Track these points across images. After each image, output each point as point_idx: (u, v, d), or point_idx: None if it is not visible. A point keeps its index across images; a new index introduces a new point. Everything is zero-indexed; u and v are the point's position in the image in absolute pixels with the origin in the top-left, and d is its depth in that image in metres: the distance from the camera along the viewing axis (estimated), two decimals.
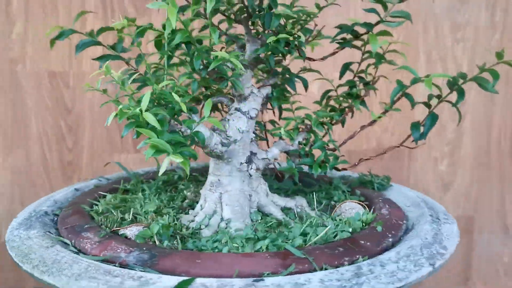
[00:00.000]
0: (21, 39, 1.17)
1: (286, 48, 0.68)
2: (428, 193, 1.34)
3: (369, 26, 0.68)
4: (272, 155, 0.76)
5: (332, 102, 0.83)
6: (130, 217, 0.73)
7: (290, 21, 0.70)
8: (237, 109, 0.72)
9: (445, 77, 0.66)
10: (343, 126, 0.79)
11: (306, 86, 0.79)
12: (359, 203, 0.75)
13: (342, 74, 0.79)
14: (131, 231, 0.65)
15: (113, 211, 0.75)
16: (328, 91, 0.83)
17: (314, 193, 0.82)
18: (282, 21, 0.68)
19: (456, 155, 1.31)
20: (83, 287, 0.50)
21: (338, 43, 0.74)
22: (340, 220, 0.69)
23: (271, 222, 0.70)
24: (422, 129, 0.70)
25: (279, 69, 0.78)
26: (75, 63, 1.20)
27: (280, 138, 0.77)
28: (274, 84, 0.77)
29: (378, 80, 0.78)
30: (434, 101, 0.71)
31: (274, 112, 0.82)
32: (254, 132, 0.74)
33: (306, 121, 0.78)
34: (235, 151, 0.71)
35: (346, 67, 0.79)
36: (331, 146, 0.78)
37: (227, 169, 0.72)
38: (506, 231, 1.36)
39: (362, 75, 0.80)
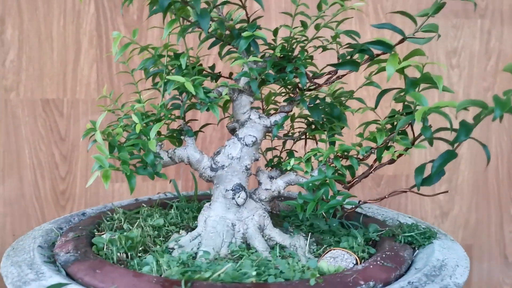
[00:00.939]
0: (15, 66, 1.16)
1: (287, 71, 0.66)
2: (427, 221, 1.32)
3: (387, 45, 0.61)
4: (276, 187, 0.71)
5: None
6: (133, 227, 0.73)
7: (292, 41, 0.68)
8: (235, 135, 0.70)
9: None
10: (379, 162, 0.67)
11: (339, 117, 0.72)
12: (349, 252, 0.65)
13: (377, 102, 0.69)
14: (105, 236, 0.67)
15: (123, 220, 0.77)
16: (368, 123, 0.72)
17: (322, 235, 0.75)
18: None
19: (454, 181, 1.30)
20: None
21: (340, 64, 0.65)
22: (308, 268, 0.59)
23: (244, 255, 0.64)
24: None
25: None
26: (69, 90, 1.19)
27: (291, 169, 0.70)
28: (315, 112, 0.70)
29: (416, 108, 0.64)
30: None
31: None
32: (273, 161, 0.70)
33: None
34: (223, 176, 0.68)
35: (382, 94, 0.68)
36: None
37: (216, 195, 0.70)
38: (506, 260, 1.33)
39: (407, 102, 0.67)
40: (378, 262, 0.59)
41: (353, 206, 0.68)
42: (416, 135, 0.62)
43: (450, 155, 0.56)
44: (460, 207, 1.31)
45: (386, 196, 0.63)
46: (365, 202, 0.66)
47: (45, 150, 1.20)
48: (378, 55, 0.63)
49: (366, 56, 0.64)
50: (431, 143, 0.58)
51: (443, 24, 1.21)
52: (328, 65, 0.66)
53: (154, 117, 0.67)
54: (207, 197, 0.92)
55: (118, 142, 0.67)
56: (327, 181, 0.66)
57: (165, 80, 0.68)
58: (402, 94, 0.65)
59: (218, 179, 0.69)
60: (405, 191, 0.62)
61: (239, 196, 0.68)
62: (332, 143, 0.73)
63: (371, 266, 0.58)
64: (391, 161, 0.65)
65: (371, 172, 0.67)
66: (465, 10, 1.23)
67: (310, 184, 0.67)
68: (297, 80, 0.68)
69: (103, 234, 0.69)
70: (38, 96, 1.18)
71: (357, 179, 0.68)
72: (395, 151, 0.64)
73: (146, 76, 0.70)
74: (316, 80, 0.69)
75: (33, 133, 1.19)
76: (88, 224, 0.74)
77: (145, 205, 0.85)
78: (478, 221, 1.31)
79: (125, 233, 0.66)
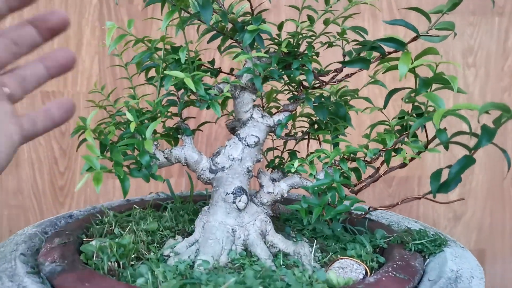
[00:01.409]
0: None
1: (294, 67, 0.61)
2: (439, 225, 1.29)
3: (399, 43, 0.56)
4: (279, 190, 0.66)
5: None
6: (125, 232, 0.68)
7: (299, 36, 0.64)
8: (237, 135, 0.66)
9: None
10: (388, 165, 0.63)
11: (344, 117, 0.68)
12: (358, 262, 0.62)
13: (386, 102, 0.63)
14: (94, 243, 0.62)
15: (113, 224, 0.71)
16: (375, 124, 0.67)
17: (325, 241, 0.71)
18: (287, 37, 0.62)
19: (468, 185, 1.26)
20: None
21: (350, 62, 0.60)
22: (317, 280, 0.56)
23: (245, 264, 0.60)
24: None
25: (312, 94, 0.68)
26: (70, 82, 1.14)
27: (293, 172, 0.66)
28: (321, 111, 0.66)
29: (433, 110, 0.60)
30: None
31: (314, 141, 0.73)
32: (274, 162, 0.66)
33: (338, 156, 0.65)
34: (223, 179, 0.64)
35: (391, 94, 0.63)
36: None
37: (215, 198, 0.65)
38: None
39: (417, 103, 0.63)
40: (390, 273, 0.55)
41: (363, 213, 0.64)
42: (429, 138, 0.58)
43: (468, 161, 0.52)
44: (473, 210, 1.28)
45: (399, 203, 0.59)
46: (375, 209, 0.62)
47: (44, 145, 1.16)
48: (389, 53, 0.59)
49: (377, 54, 0.60)
50: (446, 148, 0.54)
51: (459, 21, 1.17)
52: (337, 62, 0.62)
53: (149, 114, 0.63)
54: (203, 198, 0.88)
55: (110, 141, 0.62)
56: (334, 185, 0.62)
57: (162, 75, 0.63)
58: (413, 94, 0.61)
59: (217, 181, 0.64)
60: (419, 198, 0.57)
61: (240, 200, 0.63)
62: (337, 144, 0.69)
63: (384, 278, 0.54)
64: (403, 165, 0.61)
65: (381, 176, 0.63)
66: (482, 7, 1.20)
67: (316, 188, 0.63)
68: (302, 77, 0.64)
69: (92, 240, 0.64)
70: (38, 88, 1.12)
71: (365, 184, 0.64)
72: (406, 154, 0.60)
73: (139, 70, 0.65)
74: (322, 78, 0.65)
75: None
76: (75, 228, 0.69)
77: (137, 207, 0.81)
78: (492, 225, 1.28)
79: (116, 240, 0.61)
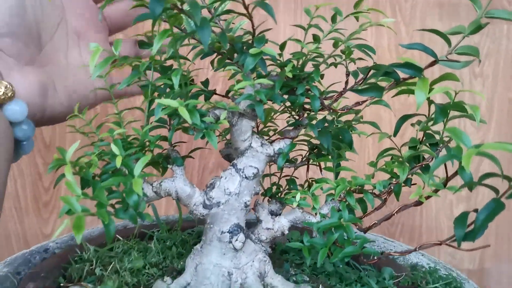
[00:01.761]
0: None
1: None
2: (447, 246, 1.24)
3: (416, 68, 0.51)
4: (279, 226, 0.60)
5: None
6: (106, 272, 0.62)
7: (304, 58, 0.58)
8: (233, 165, 0.60)
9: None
10: (398, 199, 0.58)
11: (350, 144, 0.62)
12: None
13: (397, 129, 0.59)
14: None
15: (94, 261, 0.65)
16: (385, 151, 0.62)
17: (328, 279, 0.65)
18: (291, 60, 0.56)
19: (473, 199, 1.21)
20: None
21: (363, 90, 0.55)
22: None
23: None
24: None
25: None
26: None
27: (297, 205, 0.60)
28: (325, 137, 0.60)
29: (450, 141, 0.56)
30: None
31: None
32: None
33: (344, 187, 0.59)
34: (218, 215, 0.57)
35: (403, 120, 0.58)
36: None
37: (209, 236, 0.59)
38: None
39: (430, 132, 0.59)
40: None
41: (375, 258, 0.58)
42: (449, 175, 0.53)
43: (497, 206, 0.47)
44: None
45: (417, 249, 0.53)
46: (389, 254, 0.56)
47: (27, 159, 1.07)
48: (404, 79, 0.54)
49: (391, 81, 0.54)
50: (471, 189, 0.48)
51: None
52: (349, 90, 0.56)
53: (136, 144, 0.56)
54: (191, 225, 0.81)
55: (93, 175, 0.55)
56: (342, 223, 0.56)
57: (150, 99, 0.56)
58: (429, 123, 0.56)
59: (212, 218, 0.58)
60: (439, 244, 0.52)
61: (237, 240, 0.57)
62: (339, 172, 0.63)
63: None
64: (418, 203, 0.55)
65: (394, 214, 0.57)
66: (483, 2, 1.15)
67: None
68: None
69: (71, 286, 0.57)
70: None
71: (375, 222, 0.59)
72: (423, 192, 0.54)
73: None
74: (326, 100, 0.59)
75: None
76: (52, 267, 0.62)
77: (120, 237, 0.74)
78: (498, 243, 1.23)
79: (98, 287, 0.54)
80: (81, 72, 0.63)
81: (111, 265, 0.64)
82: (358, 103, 0.56)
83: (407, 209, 0.57)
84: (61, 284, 0.59)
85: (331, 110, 0.57)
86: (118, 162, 0.50)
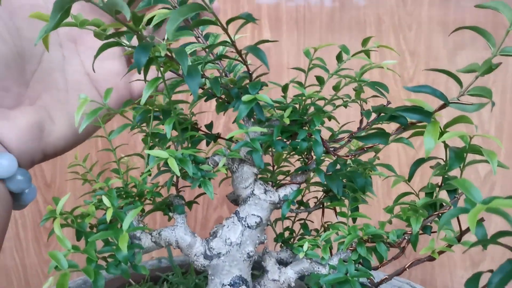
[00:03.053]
0: None
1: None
2: (456, 274, 1.16)
3: (425, 113, 0.47)
4: (286, 278, 0.57)
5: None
6: None
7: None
8: (236, 213, 0.57)
9: None
10: (415, 249, 0.54)
11: (362, 188, 0.58)
12: None
13: (411, 173, 0.55)
14: None
15: None
16: (401, 196, 0.58)
17: None
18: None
19: (486, 229, 1.13)
20: None
21: (364, 137, 0.52)
22: None
23: None
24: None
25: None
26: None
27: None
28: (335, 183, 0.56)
29: None
30: None
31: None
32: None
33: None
34: (219, 267, 0.55)
35: (417, 165, 0.54)
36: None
37: None
38: None
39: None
40: None
41: None
42: (463, 229, 0.48)
43: None
44: (491, 257, 1.15)
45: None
46: None
47: None
48: (412, 123, 0.50)
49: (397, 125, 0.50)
50: (485, 246, 0.43)
51: (471, 55, 1.06)
52: (351, 137, 0.52)
53: (135, 192, 0.54)
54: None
55: (89, 225, 0.54)
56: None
57: (150, 146, 0.55)
58: (445, 169, 0.52)
59: (213, 269, 0.55)
60: None
61: None
62: (355, 218, 0.59)
63: None
64: (431, 258, 0.51)
65: (406, 269, 0.53)
66: (496, 39, 1.09)
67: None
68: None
69: None
70: None
71: (387, 277, 0.54)
72: (436, 248, 0.49)
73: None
74: (336, 143, 0.55)
75: None
76: None
77: (132, 282, 0.72)
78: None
79: None
80: (86, 84, 0.56)
81: None
82: (363, 149, 0.53)
83: (413, 265, 0.52)
84: None
85: (336, 156, 0.54)
86: (109, 214, 0.48)
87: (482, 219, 0.48)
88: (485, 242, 0.42)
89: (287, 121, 0.50)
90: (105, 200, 0.49)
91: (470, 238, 1.11)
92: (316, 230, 0.67)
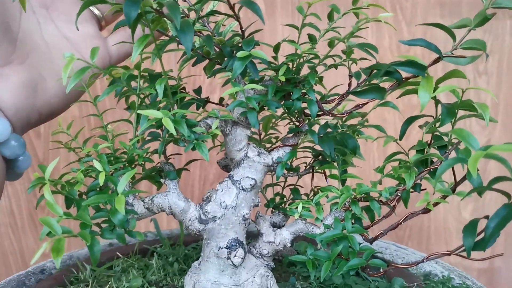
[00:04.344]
0: None
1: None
2: (451, 243, 1.18)
3: (419, 67, 0.47)
4: (281, 239, 0.57)
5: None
6: None
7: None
8: (230, 177, 0.56)
9: None
10: (406, 206, 0.54)
11: (354, 150, 0.58)
12: None
13: (403, 132, 0.55)
14: None
15: (90, 282, 0.61)
16: (391, 155, 0.57)
17: None
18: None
19: (481, 200, 1.15)
20: None
21: (360, 92, 0.51)
22: None
23: None
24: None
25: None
26: None
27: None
28: (327, 144, 0.56)
29: (459, 143, 0.51)
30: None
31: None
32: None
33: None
34: (215, 231, 0.54)
35: (408, 123, 0.54)
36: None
37: (206, 253, 0.55)
38: None
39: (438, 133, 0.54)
40: None
41: (381, 270, 0.54)
42: (458, 180, 0.49)
43: (509, 212, 0.42)
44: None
45: (424, 260, 0.49)
46: (395, 267, 0.52)
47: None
48: (407, 78, 0.50)
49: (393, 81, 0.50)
50: (480, 194, 0.44)
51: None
52: (346, 93, 0.52)
53: (125, 158, 0.53)
54: (195, 239, 0.78)
55: (79, 193, 0.53)
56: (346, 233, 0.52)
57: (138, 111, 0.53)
58: (436, 125, 0.52)
59: (208, 233, 0.55)
60: (448, 254, 0.48)
61: (235, 255, 0.54)
62: (345, 180, 0.60)
63: None
64: (426, 211, 0.51)
65: (401, 223, 0.53)
66: (493, 10, 1.10)
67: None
68: (304, 104, 0.55)
69: None
70: None
71: (382, 232, 0.54)
72: (431, 199, 0.50)
73: (119, 96, 0.56)
74: (328, 104, 0.55)
75: None
76: None
77: (120, 255, 0.71)
78: (507, 243, 1.18)
79: None
80: (66, 46, 0.56)
81: (108, 285, 0.61)
82: (358, 106, 0.53)
83: (408, 218, 0.53)
84: None
85: (331, 115, 0.53)
86: (101, 178, 0.47)
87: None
88: (481, 189, 0.43)
89: (282, 79, 0.49)
90: (97, 164, 0.48)
91: (466, 210, 1.12)
92: (306, 195, 0.67)
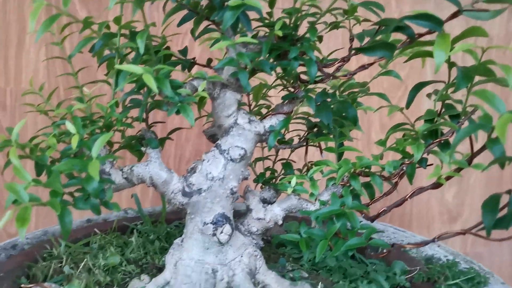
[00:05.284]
0: None
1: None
2: (433, 227, 1.14)
3: (435, 21, 0.41)
4: (272, 216, 0.52)
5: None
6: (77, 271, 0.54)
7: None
8: (217, 146, 0.51)
9: None
10: (411, 182, 0.49)
11: (354, 120, 0.53)
12: None
13: (410, 100, 0.50)
14: None
15: (64, 258, 0.57)
16: (396, 126, 0.53)
17: (330, 275, 0.57)
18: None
19: (465, 182, 1.11)
20: None
21: (367, 49, 0.45)
22: None
23: None
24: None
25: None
26: (13, 78, 0.97)
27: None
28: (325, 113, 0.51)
29: (474, 111, 0.46)
30: None
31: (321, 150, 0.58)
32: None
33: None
34: (200, 204, 0.49)
35: (417, 89, 0.49)
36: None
37: (190, 229, 0.51)
38: None
39: (450, 101, 0.49)
40: None
41: (384, 251, 0.49)
42: (475, 151, 0.44)
43: None
44: (470, 211, 1.13)
45: (435, 239, 0.45)
46: (402, 247, 0.48)
47: None
48: (420, 35, 0.45)
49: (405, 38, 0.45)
50: (502, 166, 0.40)
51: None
52: (354, 49, 0.47)
53: (102, 122, 0.48)
54: (179, 216, 0.73)
55: (50, 159, 0.47)
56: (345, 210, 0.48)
57: (117, 70, 0.48)
58: (449, 90, 0.47)
59: (193, 207, 0.50)
60: (463, 233, 0.43)
61: (222, 232, 0.49)
62: (342, 153, 0.55)
63: None
64: (437, 185, 0.47)
65: (406, 199, 0.49)
66: None
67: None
68: (300, 69, 0.50)
69: (32, 286, 0.49)
70: None
71: (385, 209, 0.50)
72: (442, 173, 0.45)
73: (99, 61, 0.50)
74: (327, 70, 0.50)
75: None
76: (15, 266, 0.55)
77: (98, 231, 0.66)
78: None
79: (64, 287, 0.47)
80: None
81: (84, 262, 0.56)
82: (364, 66, 0.47)
83: (415, 194, 0.48)
84: (22, 285, 0.51)
85: (331, 78, 0.48)
86: (75, 141, 0.42)
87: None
88: (503, 160, 0.39)
89: (279, 33, 0.44)
90: (69, 126, 0.42)
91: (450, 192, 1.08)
92: (299, 170, 0.62)
